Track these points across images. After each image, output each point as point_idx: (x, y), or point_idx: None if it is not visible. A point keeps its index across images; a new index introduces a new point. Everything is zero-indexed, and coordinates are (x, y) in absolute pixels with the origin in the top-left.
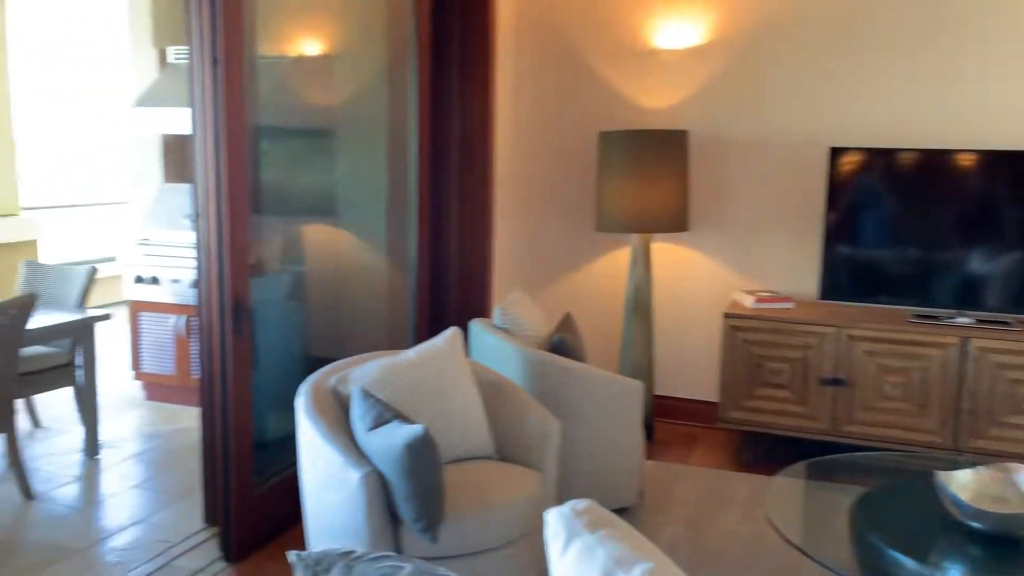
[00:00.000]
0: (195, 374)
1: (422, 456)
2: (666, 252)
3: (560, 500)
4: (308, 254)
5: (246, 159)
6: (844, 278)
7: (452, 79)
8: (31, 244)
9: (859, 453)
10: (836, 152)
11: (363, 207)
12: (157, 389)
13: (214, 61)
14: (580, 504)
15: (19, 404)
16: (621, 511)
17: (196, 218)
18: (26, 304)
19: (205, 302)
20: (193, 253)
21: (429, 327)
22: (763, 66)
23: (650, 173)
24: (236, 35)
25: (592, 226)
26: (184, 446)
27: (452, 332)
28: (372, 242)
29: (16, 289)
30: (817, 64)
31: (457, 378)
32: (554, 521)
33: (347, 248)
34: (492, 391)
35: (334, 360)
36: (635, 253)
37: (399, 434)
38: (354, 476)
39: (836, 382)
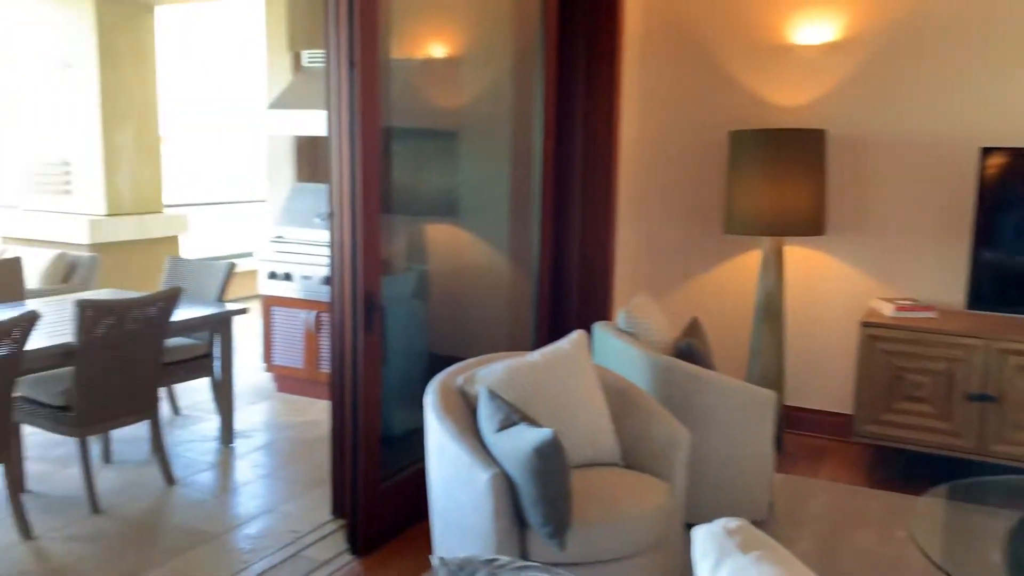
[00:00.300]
0: (323, 368)
1: (551, 461)
2: (800, 256)
3: (688, 511)
4: (431, 253)
5: (379, 160)
6: (993, 287)
7: (578, 80)
8: (173, 240)
9: (1011, 476)
10: (987, 152)
11: (485, 208)
12: (287, 381)
13: (351, 64)
14: (731, 523)
15: (161, 392)
16: None
17: (330, 217)
18: (172, 297)
19: (338, 299)
20: (323, 251)
21: (550, 329)
22: (906, 62)
23: (784, 174)
24: (372, 39)
25: (720, 228)
26: (312, 438)
27: (578, 335)
28: (493, 242)
29: (161, 282)
30: (964, 60)
31: (583, 382)
32: (703, 539)
33: (469, 248)
34: (618, 396)
35: (456, 358)
36: (766, 257)
37: (527, 437)
38: (482, 477)
39: (984, 398)
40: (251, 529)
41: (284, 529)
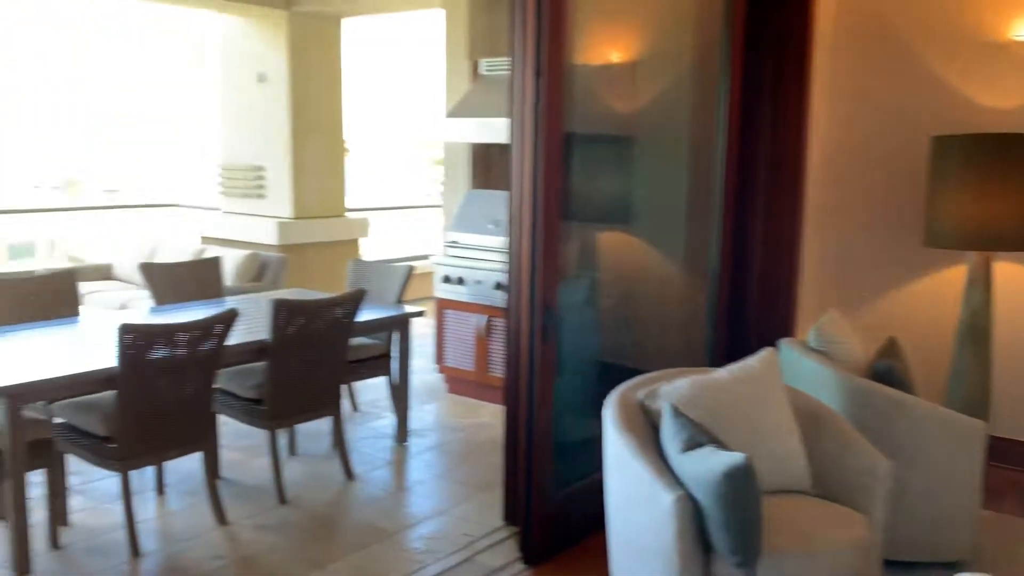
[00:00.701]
0: (494, 372)
1: (742, 486)
2: (1012, 273)
3: (887, 547)
4: (602, 260)
5: (561, 167)
6: None
7: (764, 80)
8: (354, 242)
9: None
10: None
11: (659, 215)
12: (458, 383)
13: (537, 72)
14: None
15: (342, 388)
16: (951, 565)
17: (509, 224)
18: (357, 299)
19: (514, 306)
20: (496, 256)
21: (727, 342)
22: None
23: (996, 183)
24: (559, 47)
25: (918, 240)
26: (483, 441)
27: (768, 353)
28: (667, 251)
29: (345, 284)
30: None
31: (772, 403)
32: None
33: (641, 256)
34: (809, 419)
35: (626, 368)
36: (973, 272)
37: (717, 460)
38: (666, 498)
39: None
40: (425, 529)
41: (457, 532)
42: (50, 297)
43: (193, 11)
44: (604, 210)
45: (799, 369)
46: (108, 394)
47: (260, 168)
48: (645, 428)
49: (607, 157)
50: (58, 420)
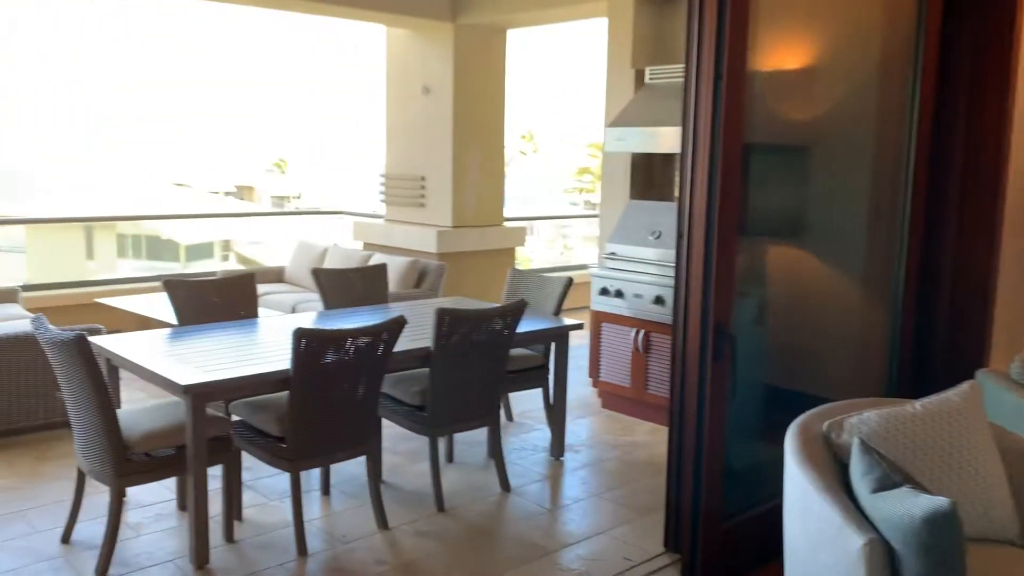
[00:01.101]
0: (651, 390)
1: (945, 535)
2: None
3: None
4: (771, 277)
5: (740, 178)
6: None
7: (958, 87)
8: (510, 251)
9: None
10: None
11: (836, 230)
12: (612, 399)
13: (717, 76)
14: None
15: None
16: None
17: (678, 237)
18: (518, 310)
19: (682, 323)
20: (656, 270)
21: (911, 370)
22: None
23: None
24: (741, 49)
25: None
26: (640, 461)
27: (968, 386)
28: (844, 267)
29: (503, 293)
30: None
31: (975, 441)
32: None
33: (815, 273)
34: (1018, 462)
35: (797, 392)
36: None
37: (916, 504)
38: (855, 541)
39: None
40: (583, 550)
41: (616, 555)
42: (232, 299)
43: (360, 25)
44: (776, 224)
45: (1002, 404)
46: (282, 395)
47: (421, 178)
48: (830, 463)
49: (780, 167)
50: (235, 418)
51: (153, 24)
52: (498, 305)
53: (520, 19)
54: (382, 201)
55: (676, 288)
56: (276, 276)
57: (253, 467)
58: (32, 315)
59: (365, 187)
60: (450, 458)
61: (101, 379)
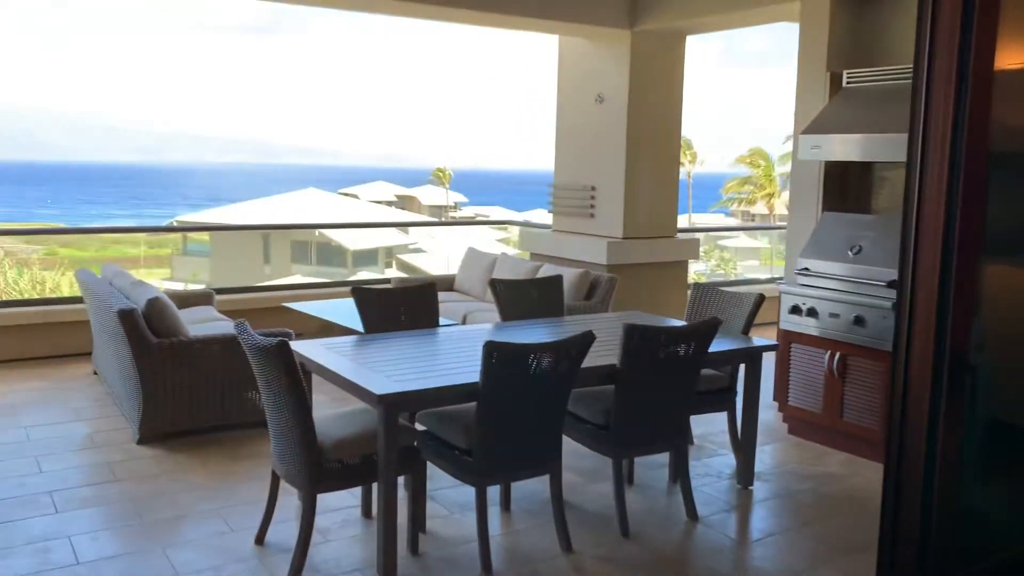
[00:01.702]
0: (848, 418)
1: None
2: None
3: None
4: (991, 299)
5: (984, 190)
6: None
7: None
8: (682, 264)
9: None
10: None
11: None
12: (800, 425)
13: (960, 78)
14: None
15: None
16: None
17: (901, 254)
18: (712, 328)
19: (903, 348)
20: (857, 288)
21: None
22: None
23: None
24: (989, 45)
25: None
26: (837, 494)
27: None
28: None
29: (686, 309)
30: None
31: None
32: None
33: None
34: None
35: None
36: None
37: None
38: None
39: None
40: None
41: None
42: (415, 307)
43: (535, 35)
44: (1004, 240)
45: None
46: (469, 407)
47: (591, 187)
48: None
49: (1006, 176)
50: (421, 427)
51: (318, 39)
52: (687, 322)
53: (703, 24)
54: (549, 211)
55: (899, 310)
56: (447, 284)
57: (433, 476)
58: (225, 317)
59: (528, 198)
60: (630, 480)
61: (301, 386)
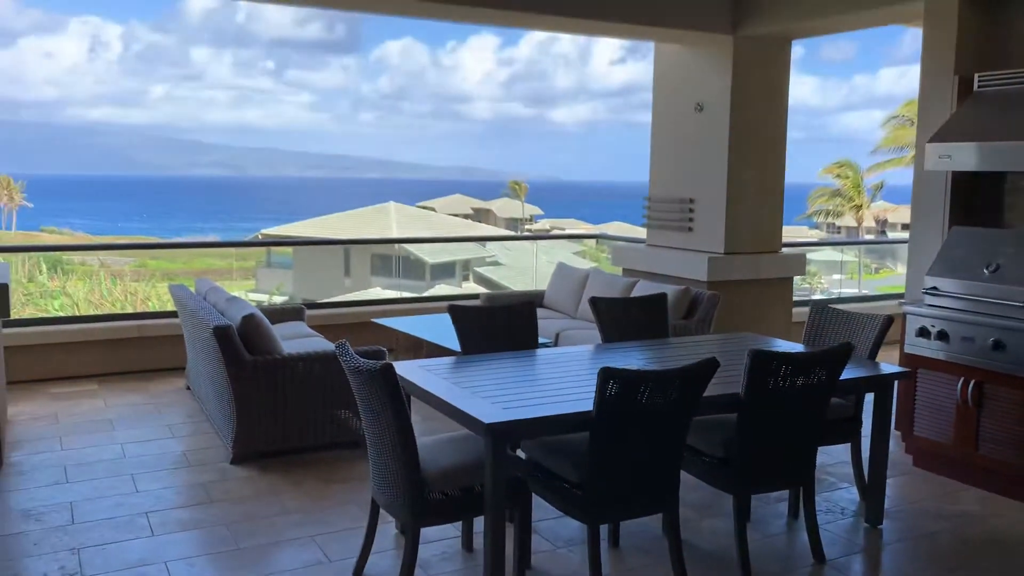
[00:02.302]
0: (984, 451)
1: None
2: None
3: None
4: None
5: None
6: None
7: None
8: (787, 281)
9: None
10: None
11: None
12: (927, 457)
13: None
14: None
15: None
16: None
17: None
18: (844, 354)
19: None
20: (995, 310)
21: None
22: None
23: None
24: None
25: None
26: (980, 537)
27: None
28: None
29: (805, 331)
30: None
31: None
32: None
33: None
34: None
35: None
36: None
37: None
38: None
39: None
40: None
41: None
42: (513, 325)
43: (636, 43)
44: None
45: None
46: (579, 437)
47: (689, 200)
48: None
49: None
50: (521, 453)
51: (395, 54)
52: (805, 345)
53: (812, 28)
54: (644, 225)
55: None
56: (536, 300)
57: (535, 505)
58: (316, 333)
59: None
60: (747, 515)
61: (405, 412)
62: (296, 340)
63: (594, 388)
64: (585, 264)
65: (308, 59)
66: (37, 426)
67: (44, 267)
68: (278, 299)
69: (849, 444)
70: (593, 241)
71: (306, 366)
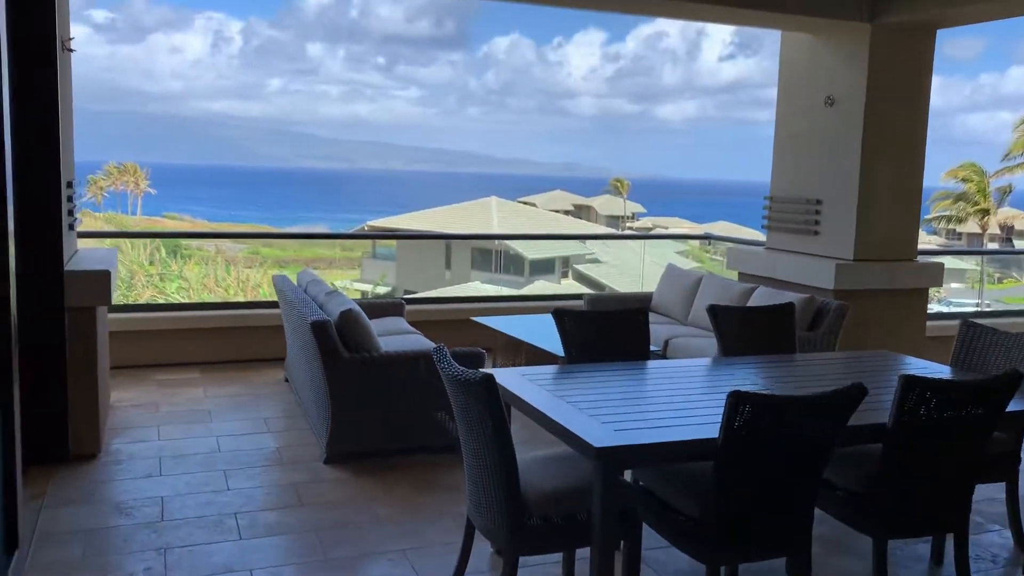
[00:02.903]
0: None
1: None
2: None
3: None
4: None
5: None
6: None
7: None
8: (922, 293)
9: None
10: None
11: None
12: None
13: None
14: None
15: None
16: None
17: None
18: (1012, 383)
19: None
20: None
21: None
22: None
23: None
24: None
25: None
26: None
27: None
28: None
29: (953, 352)
30: None
31: None
32: None
33: None
34: None
35: None
36: None
37: None
38: None
39: None
40: None
41: None
42: (621, 333)
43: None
44: None
45: None
46: (700, 465)
47: (816, 201)
48: None
49: None
50: (637, 481)
51: (501, 51)
52: (952, 368)
53: (962, 15)
54: (764, 227)
55: None
56: (641, 303)
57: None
58: (415, 330)
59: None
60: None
61: (506, 429)
62: (394, 336)
63: (718, 410)
64: (688, 264)
65: (417, 54)
66: (137, 414)
67: (164, 251)
68: (381, 289)
69: (1004, 482)
70: (696, 241)
71: (404, 365)
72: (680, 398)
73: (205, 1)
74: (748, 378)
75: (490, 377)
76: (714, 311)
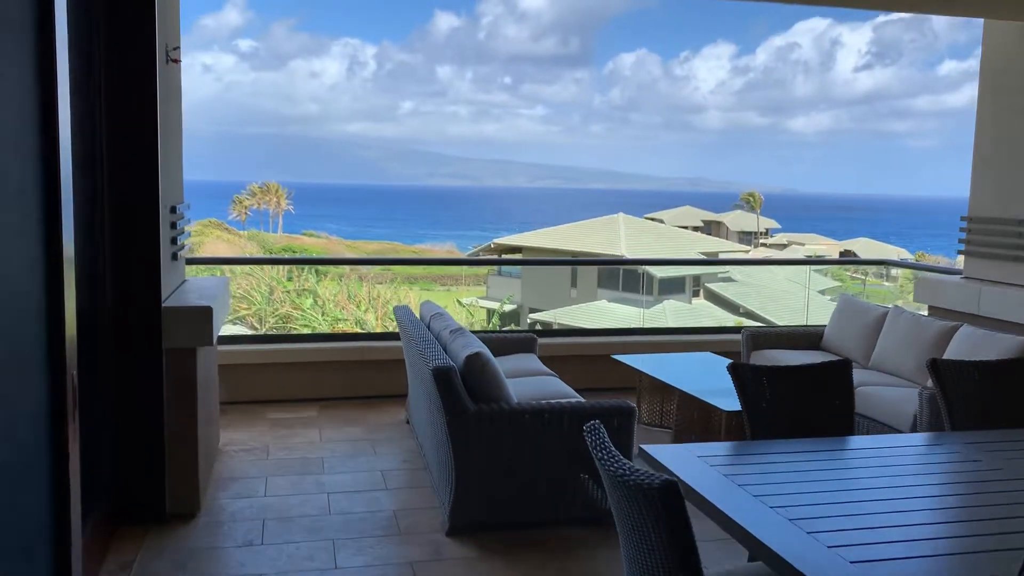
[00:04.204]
0: None
1: None
2: None
3: None
4: None
5: None
6: None
7: None
8: None
9: None
10: None
11: None
12: None
13: None
14: None
15: None
16: None
17: None
18: None
19: None
20: None
21: None
22: None
23: None
24: None
25: None
26: None
27: None
28: None
29: None
30: None
31: None
32: None
33: None
34: None
35: None
36: None
37: None
38: None
39: None
40: None
41: None
42: (821, 398)
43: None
44: None
45: None
46: None
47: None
48: None
49: None
50: None
51: (625, 68)
52: None
53: None
54: (960, 252)
55: None
56: (810, 341)
57: None
58: (550, 371)
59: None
60: None
61: (692, 547)
62: (527, 379)
63: (986, 523)
64: (826, 283)
65: (542, 73)
66: (246, 461)
67: (306, 269)
68: (508, 307)
69: None
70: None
71: (540, 419)
72: (920, 497)
73: (342, 27)
74: (1003, 468)
75: (672, 486)
76: (936, 369)
